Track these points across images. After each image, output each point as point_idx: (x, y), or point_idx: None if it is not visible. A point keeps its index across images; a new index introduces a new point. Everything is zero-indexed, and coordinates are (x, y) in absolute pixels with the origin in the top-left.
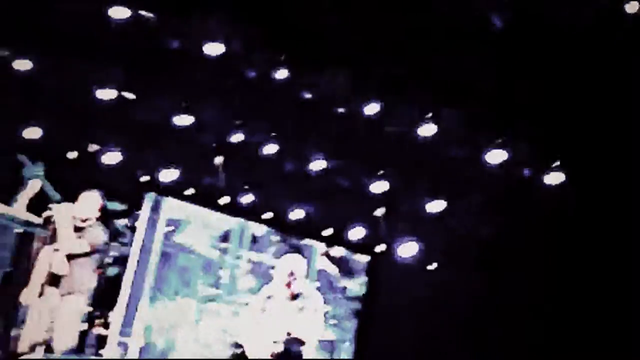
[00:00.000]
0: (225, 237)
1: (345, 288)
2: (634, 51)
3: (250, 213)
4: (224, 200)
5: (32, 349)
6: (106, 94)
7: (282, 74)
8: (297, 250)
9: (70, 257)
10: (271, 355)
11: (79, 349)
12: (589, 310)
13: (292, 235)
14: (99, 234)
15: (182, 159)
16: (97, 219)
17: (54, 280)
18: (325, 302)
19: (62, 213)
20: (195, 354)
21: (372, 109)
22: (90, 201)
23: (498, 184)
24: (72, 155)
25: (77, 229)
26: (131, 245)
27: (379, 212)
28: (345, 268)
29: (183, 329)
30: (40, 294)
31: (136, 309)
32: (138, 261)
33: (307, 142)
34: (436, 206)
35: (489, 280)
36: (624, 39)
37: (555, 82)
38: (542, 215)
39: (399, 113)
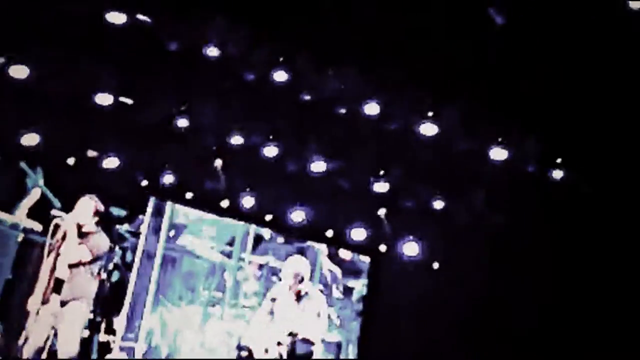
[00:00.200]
0: (228, 241)
1: (349, 289)
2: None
3: (252, 216)
4: (225, 203)
5: (37, 355)
6: (105, 99)
7: (281, 75)
8: (301, 252)
9: (73, 264)
10: (278, 356)
11: (83, 355)
12: (589, 310)
13: (294, 237)
14: (101, 242)
15: (183, 162)
16: (97, 224)
17: (57, 287)
18: (329, 304)
19: (68, 222)
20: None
21: (372, 109)
22: (86, 206)
23: (501, 181)
24: (71, 161)
25: (80, 236)
26: (134, 250)
27: (381, 212)
28: (349, 269)
29: (188, 333)
30: (44, 301)
31: (141, 315)
32: (141, 266)
33: (307, 143)
34: (437, 205)
35: (491, 280)
36: (629, 34)
37: (559, 79)
38: (547, 214)
39: (399, 113)
